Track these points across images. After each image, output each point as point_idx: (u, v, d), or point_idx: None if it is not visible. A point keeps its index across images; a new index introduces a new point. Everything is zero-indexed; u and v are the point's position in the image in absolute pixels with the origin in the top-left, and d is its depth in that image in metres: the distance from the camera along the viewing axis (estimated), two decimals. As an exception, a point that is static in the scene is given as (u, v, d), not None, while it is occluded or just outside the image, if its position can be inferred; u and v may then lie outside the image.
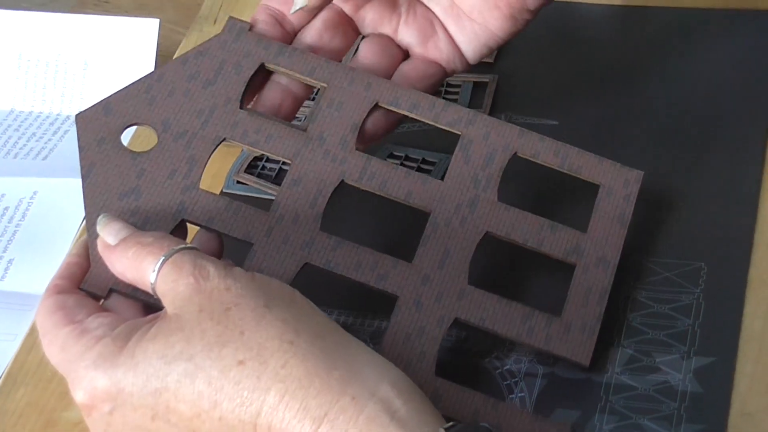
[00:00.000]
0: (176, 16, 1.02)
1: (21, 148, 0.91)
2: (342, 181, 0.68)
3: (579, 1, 0.92)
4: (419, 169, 0.78)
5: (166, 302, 0.59)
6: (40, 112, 0.95)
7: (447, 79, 0.76)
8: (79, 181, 0.86)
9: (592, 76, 0.84)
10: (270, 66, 0.71)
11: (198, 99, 0.69)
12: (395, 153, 0.79)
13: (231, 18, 0.72)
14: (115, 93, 0.69)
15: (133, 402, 0.58)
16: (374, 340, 0.69)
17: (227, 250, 0.67)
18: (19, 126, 0.94)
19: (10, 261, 0.82)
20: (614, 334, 0.67)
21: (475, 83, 0.84)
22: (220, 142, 0.68)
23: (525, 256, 0.68)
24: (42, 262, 0.81)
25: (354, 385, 0.55)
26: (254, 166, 0.81)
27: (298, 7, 0.71)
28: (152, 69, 0.93)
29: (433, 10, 0.73)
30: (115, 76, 0.94)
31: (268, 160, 0.81)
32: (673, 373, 0.65)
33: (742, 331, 0.67)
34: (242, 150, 0.82)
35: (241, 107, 0.69)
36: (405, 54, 0.74)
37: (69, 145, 0.91)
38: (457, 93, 0.84)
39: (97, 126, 0.68)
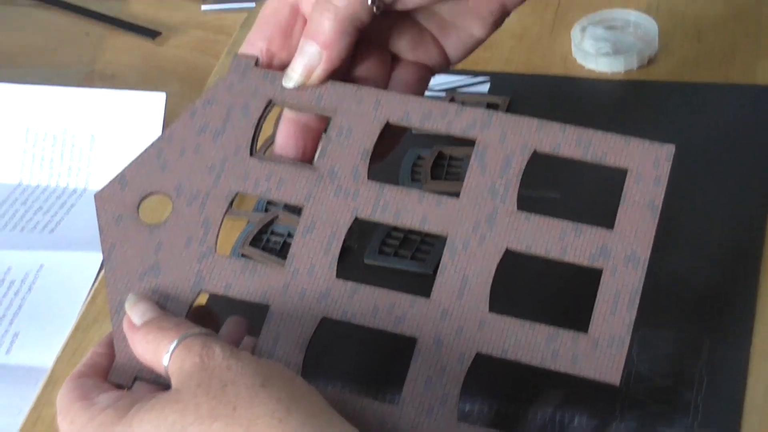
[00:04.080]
0: (182, 89, 1.03)
1: (28, 222, 0.92)
2: (356, 218, 0.66)
3: (581, 76, 0.93)
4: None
5: (173, 380, 0.60)
6: (47, 186, 0.95)
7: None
8: (84, 254, 0.87)
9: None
10: (278, 103, 0.70)
11: (209, 153, 0.69)
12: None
13: (237, 55, 0.71)
14: (129, 164, 0.69)
15: None
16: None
17: (251, 313, 0.67)
18: (26, 199, 0.94)
19: (15, 334, 0.82)
20: (617, 406, 0.67)
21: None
22: (234, 198, 0.68)
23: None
24: (47, 336, 0.81)
25: None
26: (259, 239, 0.81)
27: (293, 84, 0.69)
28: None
29: (419, 20, 0.73)
30: (122, 148, 0.95)
31: (272, 233, 0.82)
32: (677, 447, 0.65)
33: (746, 403, 0.67)
34: (247, 222, 0.83)
35: (252, 153, 0.68)
36: (394, 58, 0.74)
37: (75, 219, 0.92)
38: (459, 167, 0.85)
39: (115, 203, 0.68)
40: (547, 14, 0.99)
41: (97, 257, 0.86)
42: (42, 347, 0.81)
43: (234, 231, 0.82)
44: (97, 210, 0.68)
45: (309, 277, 0.65)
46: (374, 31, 0.71)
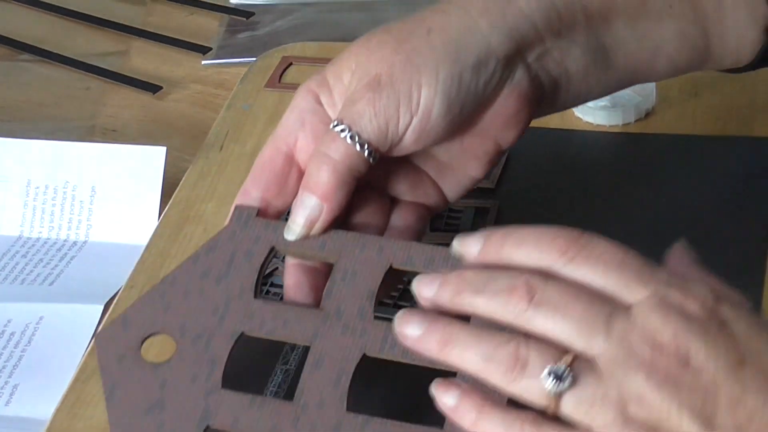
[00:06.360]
0: (183, 143, 1.03)
1: (28, 274, 0.92)
2: (364, 354, 0.66)
3: (579, 129, 0.93)
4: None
5: None
6: (48, 238, 0.96)
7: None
8: (84, 306, 0.87)
9: (593, 202, 0.85)
10: (281, 251, 0.70)
11: (212, 296, 0.69)
12: None
13: (237, 207, 0.71)
14: (131, 306, 0.70)
15: None
16: None
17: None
18: (27, 252, 0.94)
19: (15, 386, 0.82)
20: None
21: (477, 208, 0.85)
22: (239, 337, 0.68)
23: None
24: (47, 388, 0.81)
25: None
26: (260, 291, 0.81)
27: (294, 237, 0.70)
28: (158, 195, 0.94)
29: (415, 162, 0.74)
30: (123, 202, 0.95)
31: (272, 285, 0.82)
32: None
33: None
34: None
35: (256, 295, 0.69)
36: (393, 199, 0.75)
37: (75, 271, 0.92)
38: (458, 218, 0.85)
39: (117, 343, 0.68)
40: (545, 69, 1.00)
41: (97, 309, 0.86)
42: (41, 399, 0.81)
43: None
44: (97, 350, 0.69)
45: (319, 411, 0.65)
46: (372, 176, 0.72)
